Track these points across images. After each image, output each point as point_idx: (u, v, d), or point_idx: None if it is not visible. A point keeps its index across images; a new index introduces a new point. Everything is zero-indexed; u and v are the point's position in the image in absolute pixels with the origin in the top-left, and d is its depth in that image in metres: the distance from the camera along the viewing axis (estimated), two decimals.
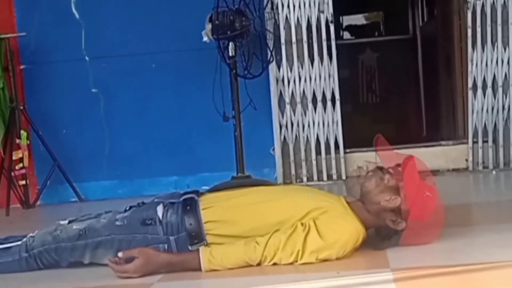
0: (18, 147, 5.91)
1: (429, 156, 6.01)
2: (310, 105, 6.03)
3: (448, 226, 3.39)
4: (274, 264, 3.13)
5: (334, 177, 6.08)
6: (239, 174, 5.39)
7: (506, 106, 5.92)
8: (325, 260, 3.12)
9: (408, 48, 9.70)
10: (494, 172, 5.88)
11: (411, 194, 3.24)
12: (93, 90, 6.05)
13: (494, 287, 2.64)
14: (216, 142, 5.86)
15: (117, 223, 3.34)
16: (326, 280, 2.86)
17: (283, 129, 6.08)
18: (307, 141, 6.08)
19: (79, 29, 6.12)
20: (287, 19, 6.02)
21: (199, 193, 3.47)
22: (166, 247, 3.29)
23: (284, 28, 6.03)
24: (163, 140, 6.10)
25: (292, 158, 6.10)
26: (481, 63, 5.92)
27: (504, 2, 5.85)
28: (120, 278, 3.17)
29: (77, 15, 6.04)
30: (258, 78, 5.61)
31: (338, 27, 10.05)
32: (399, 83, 9.69)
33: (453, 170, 6.05)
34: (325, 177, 6.08)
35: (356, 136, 6.42)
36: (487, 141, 5.97)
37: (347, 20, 11.01)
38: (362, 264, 3.10)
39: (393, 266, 2.99)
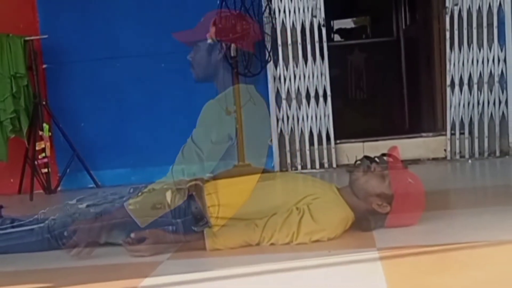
0: (41, 138, 5.91)
1: (411, 146, 6.03)
2: (304, 101, 6.03)
3: (428, 210, 3.38)
4: (272, 244, 3.13)
5: (326, 165, 6.08)
6: (240, 163, 5.37)
7: (480, 102, 5.92)
8: (317, 241, 3.11)
9: (392, 49, 9.67)
10: (470, 161, 5.88)
11: (395, 180, 3.23)
12: None
13: (470, 264, 2.63)
14: None
15: (130, 207, 3.33)
16: (319, 258, 2.86)
17: (280, 122, 6.08)
18: (302, 133, 6.08)
19: (96, 32, 6.11)
20: (283, 23, 6.02)
21: (204, 180, 3.46)
22: (174, 229, 3.29)
23: (281, 31, 6.02)
24: (171, 131, 6.08)
25: (288, 148, 6.09)
26: (458, 62, 5.91)
27: (479, 7, 5.84)
28: (133, 256, 3.16)
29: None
30: (257, 76, 5.59)
31: (329, 30, 10.01)
32: (384, 80, 9.67)
33: (433, 159, 6.04)
34: (317, 166, 6.08)
35: (345, 129, 6.43)
36: (463, 133, 5.96)
37: (337, 24, 10.97)
38: (351, 244, 3.09)
39: (379, 245, 2.98)
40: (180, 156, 3.48)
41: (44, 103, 6.03)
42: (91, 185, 6.11)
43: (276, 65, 6.03)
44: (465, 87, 5.92)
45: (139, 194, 3.42)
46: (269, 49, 5.71)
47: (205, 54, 3.71)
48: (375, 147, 5.70)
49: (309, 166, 6.09)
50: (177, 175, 3.41)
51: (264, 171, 3.78)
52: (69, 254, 3.22)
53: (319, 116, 6.04)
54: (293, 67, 6.04)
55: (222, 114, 3.52)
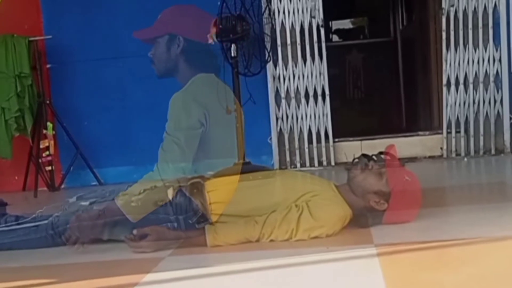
0: (45, 136, 5.92)
1: (408, 145, 6.03)
2: (303, 100, 6.03)
3: (425, 206, 3.38)
4: (271, 240, 3.13)
5: (324, 163, 6.08)
6: (240, 161, 5.38)
7: (476, 101, 5.92)
8: (316, 237, 3.12)
9: (389, 49, 9.68)
10: (465, 159, 5.88)
11: (392, 178, 3.24)
12: None
13: (465, 260, 2.64)
14: None
15: (133, 204, 3.33)
16: (317, 254, 2.86)
17: (279, 121, 6.08)
18: (301, 132, 6.08)
19: (99, 32, 6.11)
20: (282, 24, 6.02)
21: (204, 178, 3.47)
22: (175, 225, 3.29)
23: (280, 31, 6.02)
24: None
25: (287, 146, 6.09)
26: (454, 62, 5.91)
27: (475, 8, 5.84)
28: (135, 252, 3.16)
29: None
30: (257, 76, 5.60)
31: (328, 30, 10.01)
32: (382, 80, 9.67)
33: (429, 157, 6.04)
34: (316, 164, 6.08)
35: (344, 127, 6.42)
36: (459, 132, 5.96)
37: (335, 24, 10.96)
38: (349, 240, 3.09)
39: (376, 242, 2.98)
40: (161, 151, 3.50)
41: (48, 102, 6.03)
42: (94, 183, 6.12)
43: (275, 65, 6.03)
44: (461, 87, 5.92)
45: (142, 191, 3.42)
46: (268, 49, 5.71)
47: (165, 49, 3.73)
48: (373, 146, 5.71)
49: (308, 164, 6.09)
50: (164, 172, 3.42)
51: (264, 169, 3.79)
52: (73, 249, 3.23)
53: (318, 115, 6.04)
54: (292, 66, 6.04)
55: (188, 103, 3.54)
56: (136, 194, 3.39)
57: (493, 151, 5.91)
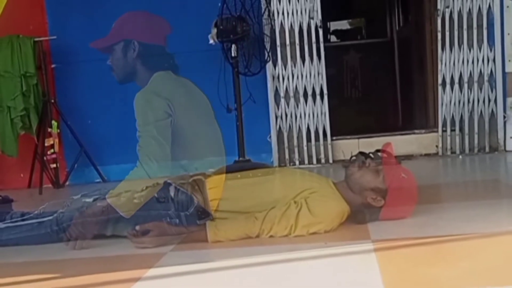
0: (50, 135, 5.91)
1: (404, 143, 6.03)
2: (301, 99, 6.03)
3: (421, 203, 3.39)
4: (271, 236, 3.13)
5: (323, 161, 6.08)
6: (240, 158, 5.38)
7: (470, 100, 5.92)
8: (314, 233, 3.12)
9: (386, 49, 9.68)
10: (460, 156, 5.87)
11: (389, 175, 3.24)
12: None
13: (460, 255, 2.64)
14: None
15: (135, 201, 3.33)
16: (316, 250, 2.86)
17: (278, 119, 6.08)
18: (299, 130, 6.08)
19: (102, 33, 6.10)
20: (282, 25, 6.01)
21: (205, 175, 3.47)
22: (177, 221, 3.29)
23: (279, 32, 6.01)
24: None
25: (286, 144, 6.09)
26: (449, 62, 5.91)
27: (469, 9, 5.84)
28: (138, 248, 3.16)
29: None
30: (257, 76, 5.61)
31: (326, 31, 10.01)
32: (379, 80, 9.67)
33: (425, 155, 6.04)
34: (314, 161, 6.08)
35: (341, 126, 6.42)
36: (454, 130, 5.96)
37: (333, 25, 10.96)
38: (346, 236, 3.09)
39: (373, 237, 2.99)
40: (139, 149, 3.49)
41: (52, 101, 6.03)
42: (98, 180, 6.11)
43: (275, 64, 6.02)
44: (456, 86, 5.92)
45: (144, 188, 3.42)
46: (268, 50, 5.71)
47: (121, 55, 3.73)
48: (370, 144, 5.69)
49: (306, 161, 6.09)
50: (149, 169, 3.42)
51: (263, 166, 3.79)
52: (72, 246, 3.24)
53: (316, 114, 6.04)
54: (291, 66, 6.03)
55: (150, 98, 3.54)
56: (138, 190, 3.40)
57: (487, 149, 5.91)
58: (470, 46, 5.89)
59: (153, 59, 3.65)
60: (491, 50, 5.86)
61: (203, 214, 3.28)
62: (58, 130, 6.00)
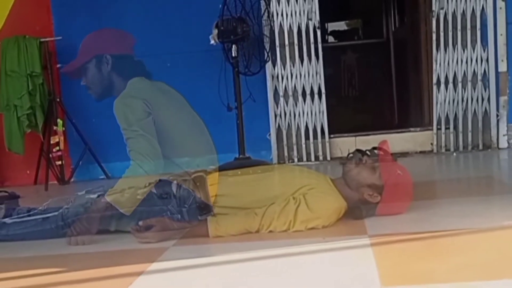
0: (55, 133, 5.92)
1: (400, 140, 6.03)
2: (300, 98, 6.03)
3: (416, 199, 3.38)
4: (270, 231, 3.13)
5: (321, 158, 6.08)
6: (241, 156, 5.39)
7: (464, 99, 5.92)
8: (312, 228, 3.12)
9: (382, 50, 9.67)
10: (454, 154, 5.88)
11: (385, 172, 3.24)
12: None
13: (454, 250, 2.64)
14: (221, 128, 5.81)
15: (138, 197, 3.33)
16: (314, 244, 2.86)
17: (278, 118, 6.08)
18: (298, 128, 6.08)
19: None
20: (281, 26, 6.01)
21: (207, 172, 3.47)
22: (179, 217, 3.29)
23: (279, 33, 6.01)
24: None
25: (285, 142, 6.09)
26: (443, 62, 5.91)
27: (463, 11, 5.84)
28: (141, 243, 3.16)
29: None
30: (257, 75, 5.61)
31: (324, 32, 10.00)
32: (375, 79, 9.67)
33: (420, 152, 6.05)
34: (313, 158, 6.08)
35: (339, 124, 6.43)
36: (448, 128, 5.97)
37: (331, 26, 10.95)
38: (344, 231, 3.09)
39: (370, 233, 2.98)
40: (129, 149, 3.47)
41: (58, 100, 6.04)
42: (102, 177, 6.12)
43: (274, 64, 6.02)
44: (450, 85, 5.92)
45: (147, 185, 3.42)
46: (267, 50, 5.71)
47: (96, 71, 3.71)
48: (366, 141, 5.70)
49: (305, 158, 6.09)
50: (145, 166, 3.40)
51: (263, 163, 3.79)
52: (73, 242, 3.25)
53: (314, 112, 6.04)
54: (290, 66, 6.03)
55: (126, 101, 3.53)
56: (142, 187, 3.39)
57: (480, 147, 5.91)
58: (464, 47, 5.89)
59: (126, 69, 3.66)
60: (484, 50, 5.86)
61: (204, 209, 3.29)
62: (63, 128, 6.00)
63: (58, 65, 6.17)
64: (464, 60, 5.89)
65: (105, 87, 3.74)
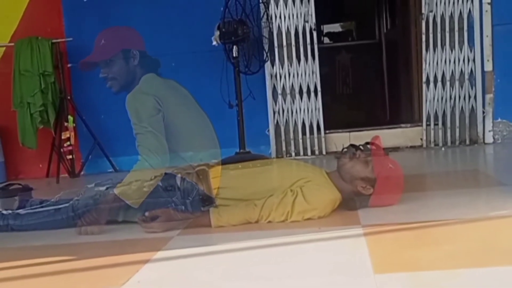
0: (66, 128, 5.91)
1: (391, 136, 6.02)
2: (297, 96, 6.02)
3: (407, 191, 3.39)
4: (269, 221, 3.14)
5: (316, 152, 6.07)
6: (241, 150, 5.38)
7: (452, 96, 5.91)
8: (309, 219, 3.12)
9: (375, 50, 9.66)
10: (443, 149, 5.87)
11: (377, 166, 3.24)
12: None
13: (443, 239, 2.64)
14: (223, 124, 5.77)
15: (145, 189, 3.33)
16: (310, 234, 2.86)
17: (276, 114, 6.07)
18: (295, 124, 6.07)
19: None
20: (279, 27, 6.00)
21: (209, 165, 3.47)
22: (183, 208, 3.30)
23: (277, 34, 6.00)
24: None
25: (283, 137, 6.09)
26: (432, 62, 5.90)
27: (451, 13, 5.83)
28: (147, 233, 3.17)
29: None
30: (256, 74, 5.60)
31: (319, 33, 9.99)
32: (368, 78, 9.65)
33: (411, 147, 6.03)
34: (309, 153, 6.07)
35: (333, 120, 6.41)
36: (437, 124, 5.96)
37: (326, 28, 10.94)
38: (338, 221, 3.09)
39: (363, 223, 2.99)
40: (138, 145, 3.46)
41: (69, 97, 6.02)
42: (110, 170, 6.11)
43: (272, 64, 6.01)
44: (439, 84, 5.91)
45: (153, 177, 3.42)
46: (266, 50, 5.70)
47: (123, 63, 3.68)
48: (360, 137, 5.68)
49: (302, 153, 6.08)
50: (147, 155, 3.40)
51: (262, 157, 3.79)
52: (77, 233, 3.26)
53: (311, 109, 6.03)
54: (288, 66, 6.02)
55: (138, 97, 3.52)
56: (148, 180, 3.40)
57: (467, 142, 5.90)
58: (452, 47, 5.87)
59: (146, 65, 3.64)
60: (471, 51, 5.85)
61: (207, 201, 3.29)
62: (74, 124, 5.99)
63: (69, 65, 6.17)
64: (452, 60, 5.87)
65: (128, 81, 3.73)
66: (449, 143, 5.93)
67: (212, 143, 3.73)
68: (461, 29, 5.85)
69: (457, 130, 5.91)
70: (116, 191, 3.32)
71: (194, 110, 3.78)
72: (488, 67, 5.85)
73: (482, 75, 5.87)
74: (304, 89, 6.01)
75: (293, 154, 6.09)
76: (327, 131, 6.10)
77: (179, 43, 6.09)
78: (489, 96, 5.88)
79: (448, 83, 5.89)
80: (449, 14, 5.84)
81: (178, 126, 3.58)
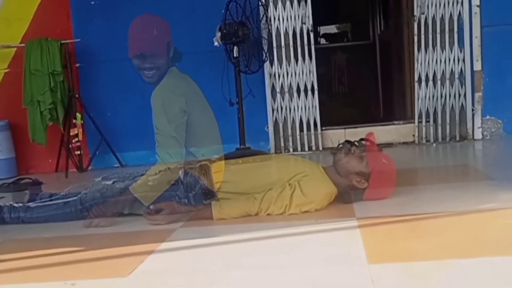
0: (75, 125, 5.90)
1: (385, 132, 6.02)
2: (295, 94, 6.01)
3: (399, 185, 3.39)
4: (268, 214, 3.14)
5: (313, 148, 6.07)
6: (241, 146, 5.37)
7: (443, 95, 5.90)
8: (306, 212, 3.12)
9: (369, 50, 9.65)
10: (434, 145, 5.86)
11: (371, 161, 3.24)
12: None
13: (434, 231, 2.64)
14: (224, 121, 5.77)
15: (149, 183, 3.34)
16: (307, 226, 2.86)
17: (275, 112, 6.06)
18: (293, 121, 6.06)
19: (121, 36, 6.07)
20: (278, 29, 5.99)
21: (211, 161, 3.47)
22: (186, 201, 3.30)
23: (276, 35, 5.99)
24: None
25: (281, 134, 6.08)
26: (424, 62, 5.89)
27: (442, 15, 5.82)
28: (151, 224, 3.17)
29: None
30: (256, 74, 5.59)
31: (316, 34, 9.98)
32: (362, 77, 9.65)
33: (403, 143, 6.03)
34: (306, 148, 6.07)
35: (330, 118, 6.41)
36: (429, 121, 5.95)
37: (323, 29, 10.93)
38: (334, 214, 3.09)
39: (358, 215, 2.99)
40: (158, 146, 3.46)
41: (77, 96, 6.02)
42: (116, 165, 6.11)
43: (271, 64, 6.00)
44: (430, 83, 5.90)
45: (158, 172, 3.42)
46: (266, 51, 5.69)
47: (167, 56, 3.65)
48: (355, 133, 5.69)
49: (299, 149, 6.07)
50: (166, 159, 3.39)
51: (262, 153, 3.79)
52: (85, 226, 3.26)
53: (308, 107, 6.02)
54: (286, 65, 6.01)
55: (167, 96, 3.48)
56: (152, 174, 3.40)
57: (457, 138, 5.90)
58: (443, 48, 5.87)
59: (176, 57, 3.61)
60: (461, 51, 5.84)
61: (209, 194, 3.29)
62: (82, 121, 5.98)
63: (77, 65, 6.16)
64: (443, 60, 5.87)
65: (165, 72, 3.69)
66: (440, 139, 5.92)
67: (217, 139, 3.73)
68: (451, 30, 5.84)
69: (448, 127, 5.90)
70: (131, 189, 3.32)
71: (207, 109, 3.76)
72: (477, 66, 5.85)
73: (472, 74, 5.86)
74: (302, 88, 6.01)
75: (291, 149, 6.08)
76: (323, 128, 6.09)
77: (182, 43, 6.02)
78: (478, 95, 5.88)
79: (439, 82, 5.89)
80: (440, 16, 5.83)
81: (195, 126, 3.57)
